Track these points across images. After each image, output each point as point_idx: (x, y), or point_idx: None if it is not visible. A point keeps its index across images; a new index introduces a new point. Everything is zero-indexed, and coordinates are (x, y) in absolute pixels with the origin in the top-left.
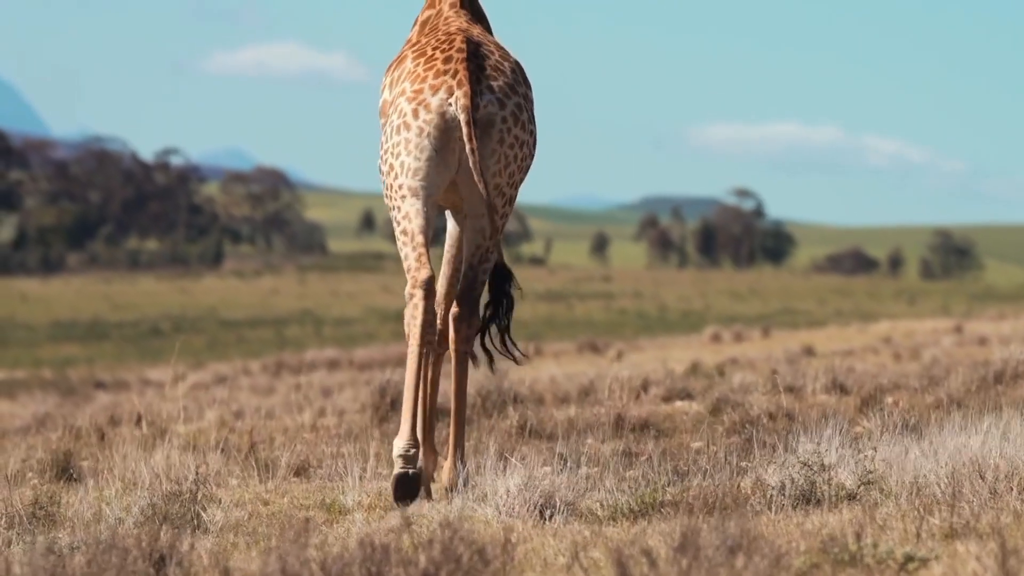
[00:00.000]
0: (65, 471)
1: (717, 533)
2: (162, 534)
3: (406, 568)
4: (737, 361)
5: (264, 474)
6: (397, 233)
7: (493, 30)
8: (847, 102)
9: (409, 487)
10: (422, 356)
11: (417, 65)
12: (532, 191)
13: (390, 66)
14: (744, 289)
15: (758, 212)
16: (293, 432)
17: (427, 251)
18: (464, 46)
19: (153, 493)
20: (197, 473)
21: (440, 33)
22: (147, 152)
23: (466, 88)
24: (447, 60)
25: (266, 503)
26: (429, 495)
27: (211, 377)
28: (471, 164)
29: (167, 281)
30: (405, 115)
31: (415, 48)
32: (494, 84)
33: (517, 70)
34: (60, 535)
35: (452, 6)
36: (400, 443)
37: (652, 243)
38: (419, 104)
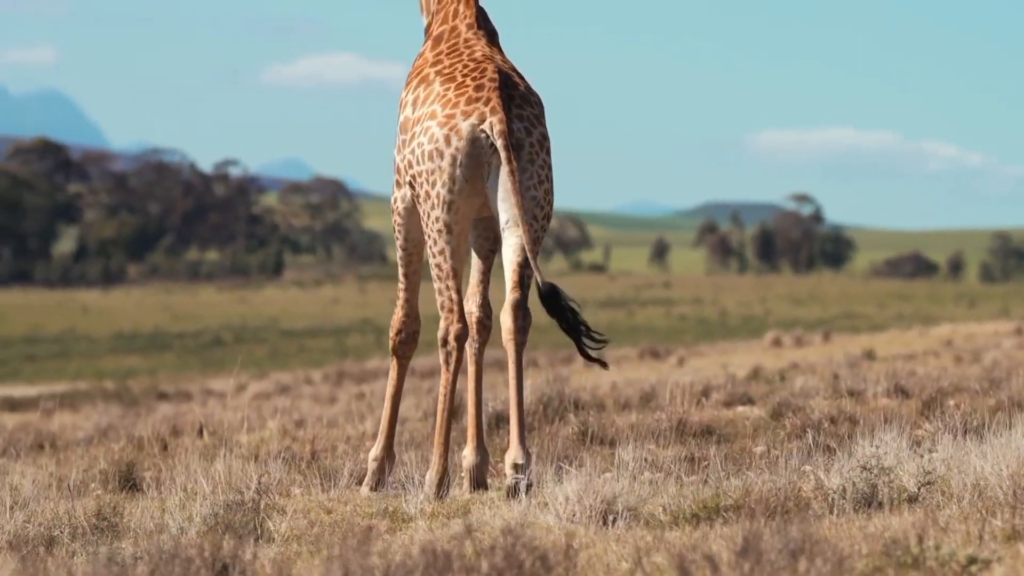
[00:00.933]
0: (128, 481)
1: (779, 537)
2: (225, 543)
3: (469, 575)
4: (798, 366)
5: (326, 483)
6: (432, 264)
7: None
8: (904, 107)
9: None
10: (455, 385)
11: (447, 89)
12: (591, 198)
13: (409, 82)
14: (804, 294)
15: (817, 217)
16: (355, 441)
17: (460, 296)
18: (496, 76)
19: (215, 503)
20: (259, 482)
21: (465, 58)
22: (206, 163)
23: (501, 115)
24: (479, 88)
25: (328, 511)
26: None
27: (273, 387)
28: (511, 185)
29: (228, 292)
30: (437, 141)
31: (441, 71)
32: (523, 113)
33: (539, 104)
34: (123, 545)
35: (469, 26)
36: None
37: (712, 249)
38: (451, 130)
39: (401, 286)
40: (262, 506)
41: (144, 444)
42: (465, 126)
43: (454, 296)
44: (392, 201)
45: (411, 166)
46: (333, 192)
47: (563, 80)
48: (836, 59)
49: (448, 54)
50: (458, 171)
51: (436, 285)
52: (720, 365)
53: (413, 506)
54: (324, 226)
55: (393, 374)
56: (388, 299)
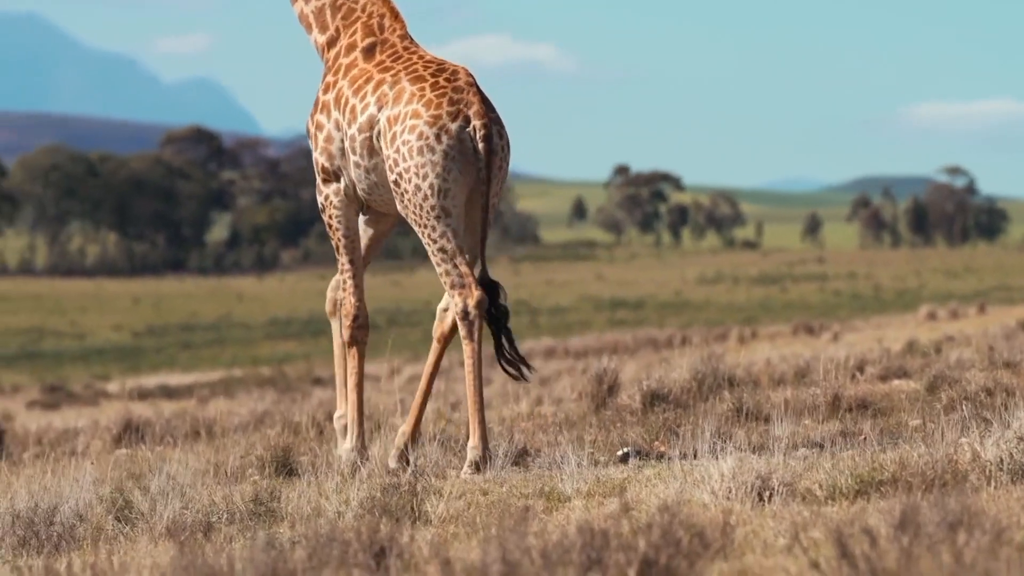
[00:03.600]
0: (284, 466)
1: (937, 510)
2: (382, 526)
3: (626, 553)
4: (953, 338)
5: (482, 464)
6: (434, 249)
7: None
8: None
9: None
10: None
11: (422, 90)
12: (744, 175)
13: (360, 88)
14: (958, 266)
15: (970, 189)
16: (510, 421)
17: (471, 270)
18: (471, 79)
19: (372, 486)
20: (416, 465)
21: (419, 60)
22: None
23: (484, 120)
24: (457, 90)
25: (485, 493)
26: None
27: None
28: (484, 189)
29: (380, 275)
30: (427, 138)
31: (398, 73)
32: (494, 116)
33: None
34: (280, 530)
35: (402, 37)
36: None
37: (865, 223)
38: (440, 129)
39: (347, 274)
40: (418, 489)
41: (300, 429)
42: (454, 127)
43: (464, 270)
44: (323, 198)
45: (396, 164)
46: None
47: (715, 57)
48: (995, 29)
49: (394, 60)
50: (451, 163)
51: (442, 267)
52: (875, 339)
53: (569, 486)
54: None
55: (353, 363)
56: (543, 280)
